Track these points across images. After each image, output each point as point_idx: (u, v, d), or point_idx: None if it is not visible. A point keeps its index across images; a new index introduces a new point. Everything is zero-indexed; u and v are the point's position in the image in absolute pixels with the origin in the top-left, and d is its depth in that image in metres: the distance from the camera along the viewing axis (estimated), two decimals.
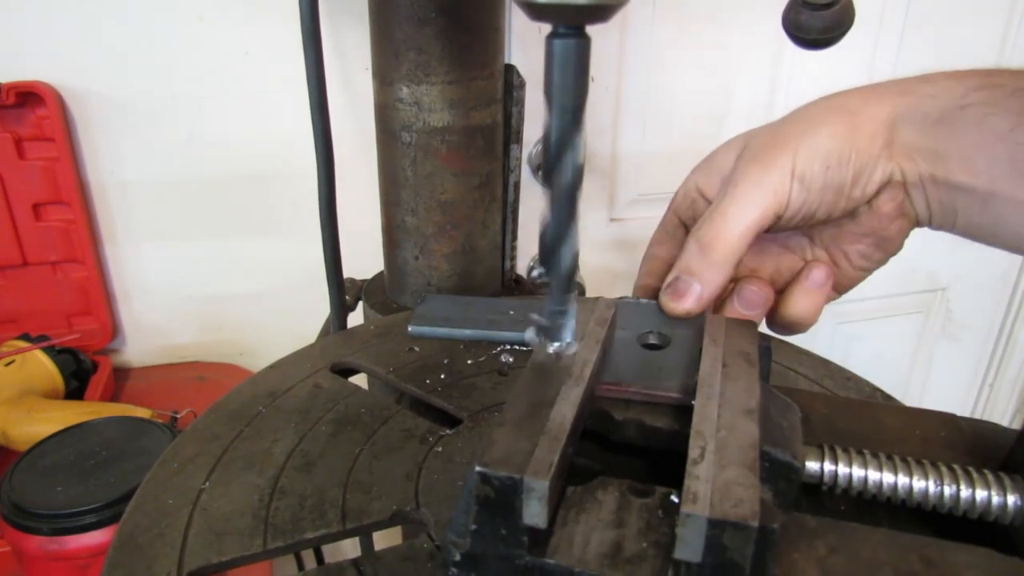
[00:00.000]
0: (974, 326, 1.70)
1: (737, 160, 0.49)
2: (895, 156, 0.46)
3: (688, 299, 0.47)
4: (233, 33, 1.03)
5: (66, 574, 0.75)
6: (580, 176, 0.39)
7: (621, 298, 0.51)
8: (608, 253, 1.36)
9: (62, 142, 0.99)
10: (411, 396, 0.62)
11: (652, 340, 0.49)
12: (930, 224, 0.49)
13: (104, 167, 1.06)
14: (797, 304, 0.51)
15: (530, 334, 0.45)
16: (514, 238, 0.93)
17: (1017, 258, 1.63)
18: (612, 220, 1.33)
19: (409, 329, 0.67)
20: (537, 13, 0.36)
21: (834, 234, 0.51)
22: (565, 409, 0.39)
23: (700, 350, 0.46)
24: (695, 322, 0.49)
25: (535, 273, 1.14)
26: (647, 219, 1.35)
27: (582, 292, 1.09)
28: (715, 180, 0.51)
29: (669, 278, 0.48)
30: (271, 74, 1.06)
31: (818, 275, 0.51)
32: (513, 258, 0.95)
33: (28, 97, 0.97)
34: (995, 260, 1.62)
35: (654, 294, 0.51)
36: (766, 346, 0.47)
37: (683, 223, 0.55)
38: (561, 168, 0.38)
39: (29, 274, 1.06)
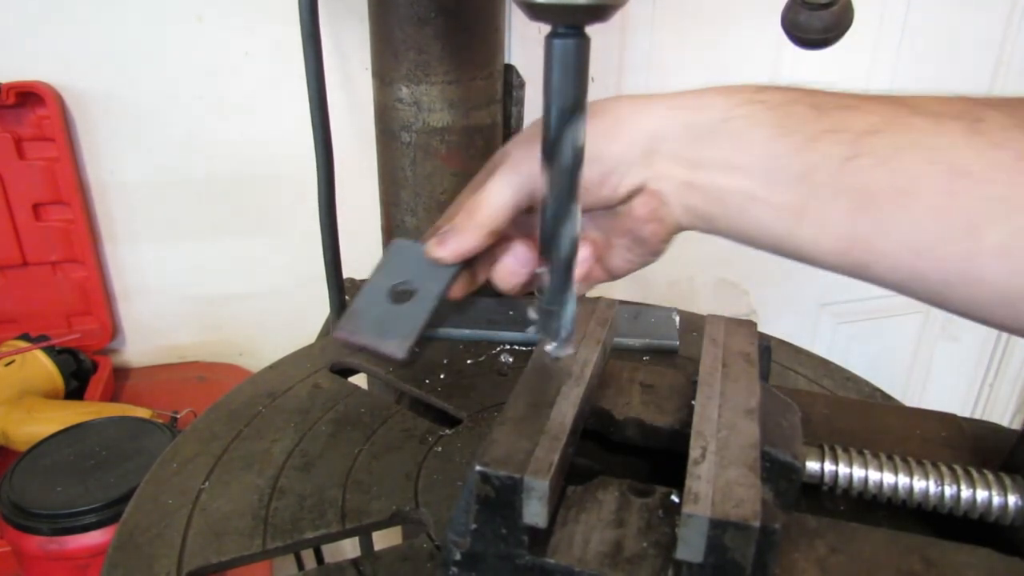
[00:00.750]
0: (974, 326, 1.69)
1: (513, 143, 0.52)
2: (653, 164, 0.48)
3: (447, 248, 0.51)
4: (233, 33, 1.03)
5: (66, 574, 0.75)
6: (579, 169, 0.39)
7: (398, 240, 0.57)
8: None
9: (62, 142, 0.99)
10: (411, 396, 0.62)
11: (400, 289, 0.53)
12: (692, 228, 0.51)
13: (104, 167, 1.06)
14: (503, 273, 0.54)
15: (532, 329, 0.45)
16: None
17: None
18: None
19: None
20: (537, 13, 0.36)
21: (604, 224, 0.53)
22: (565, 409, 0.39)
23: (435, 306, 0.51)
24: (444, 276, 0.52)
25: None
26: None
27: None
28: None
29: (442, 229, 0.53)
30: (271, 74, 1.06)
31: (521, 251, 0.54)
32: None
33: (28, 97, 0.97)
34: None
35: None
36: (766, 345, 0.47)
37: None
38: (560, 162, 0.38)
39: (29, 274, 1.06)
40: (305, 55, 0.67)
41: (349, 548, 0.94)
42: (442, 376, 0.62)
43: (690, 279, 1.42)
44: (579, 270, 0.51)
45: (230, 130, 1.08)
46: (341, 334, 0.51)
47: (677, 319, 0.69)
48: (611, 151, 0.48)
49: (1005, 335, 1.72)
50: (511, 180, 0.49)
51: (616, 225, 0.52)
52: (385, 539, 0.58)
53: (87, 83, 1.01)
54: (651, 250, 0.52)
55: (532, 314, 0.46)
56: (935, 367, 1.71)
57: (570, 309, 0.43)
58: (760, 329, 0.50)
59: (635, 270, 0.55)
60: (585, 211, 0.50)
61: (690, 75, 1.26)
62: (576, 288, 0.51)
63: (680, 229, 0.51)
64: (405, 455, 0.52)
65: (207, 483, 0.50)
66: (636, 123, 0.48)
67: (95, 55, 1.00)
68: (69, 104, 1.01)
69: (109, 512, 0.73)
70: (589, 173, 0.47)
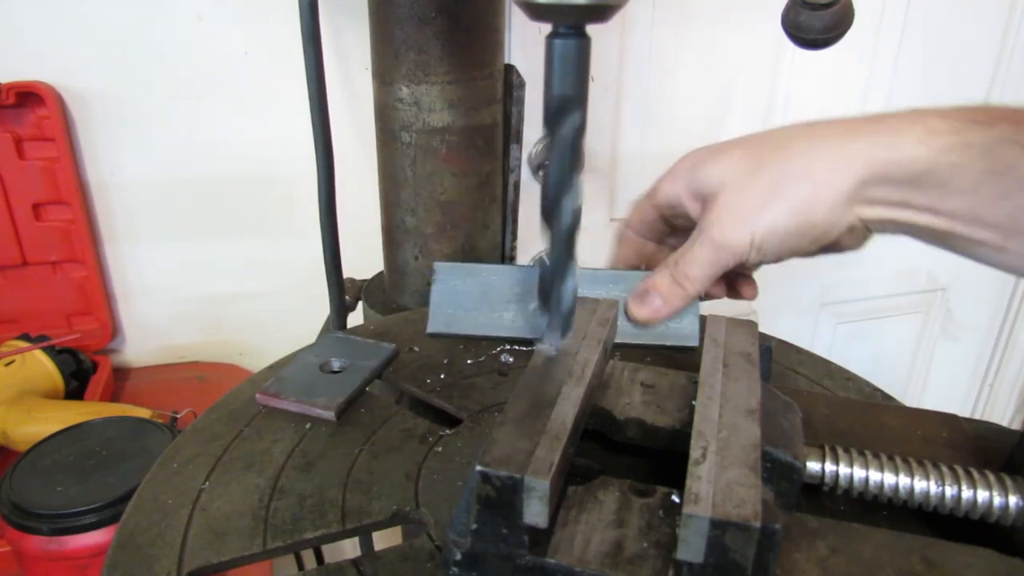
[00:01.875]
0: (974, 326, 1.70)
1: (710, 205, 0.54)
2: (857, 207, 0.51)
3: (649, 310, 0.57)
4: (233, 33, 1.03)
5: (66, 574, 0.75)
6: (578, 218, 0.40)
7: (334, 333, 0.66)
8: (608, 253, 1.36)
9: (62, 142, 0.99)
10: (411, 396, 0.62)
11: (334, 367, 0.61)
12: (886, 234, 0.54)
13: (104, 167, 1.06)
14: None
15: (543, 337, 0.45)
16: (514, 238, 0.93)
17: None
18: (612, 220, 1.33)
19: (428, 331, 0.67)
20: (537, 13, 0.36)
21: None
22: (566, 409, 0.39)
23: (367, 379, 0.59)
24: (381, 355, 0.62)
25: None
26: None
27: None
28: (696, 204, 0.57)
29: (640, 288, 0.58)
30: (271, 74, 1.06)
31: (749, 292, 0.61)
32: (513, 258, 0.95)
33: (28, 97, 0.97)
34: None
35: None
36: (767, 346, 0.47)
37: (662, 216, 0.62)
38: (561, 206, 0.38)
39: (29, 274, 1.06)
40: (305, 55, 0.67)
41: (349, 548, 0.94)
42: (442, 376, 0.62)
43: None
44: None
45: (230, 130, 1.08)
46: (264, 398, 0.57)
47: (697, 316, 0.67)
48: (816, 220, 0.50)
49: (1005, 335, 1.72)
50: (717, 256, 0.53)
51: (812, 251, 0.55)
52: (385, 539, 0.58)
53: (87, 83, 1.01)
54: (852, 249, 0.56)
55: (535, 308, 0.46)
56: (935, 367, 1.72)
57: (570, 286, 0.42)
58: (760, 329, 0.50)
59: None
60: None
61: (690, 75, 1.26)
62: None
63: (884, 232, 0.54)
64: (405, 455, 0.52)
65: (207, 483, 0.49)
66: (836, 182, 0.50)
67: (95, 55, 1.00)
68: (69, 104, 1.01)
69: (109, 512, 0.73)
70: (796, 243, 0.51)
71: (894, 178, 0.48)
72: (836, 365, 0.66)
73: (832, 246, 0.54)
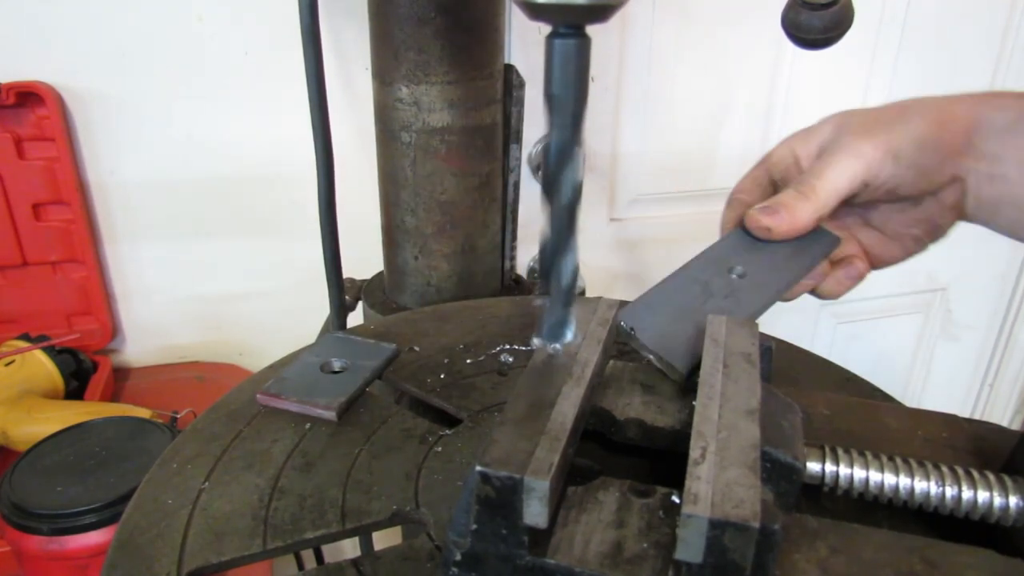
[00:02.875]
0: (974, 326, 1.70)
1: (836, 132, 0.55)
2: (967, 156, 0.52)
3: (775, 219, 0.54)
4: (233, 33, 1.03)
5: (66, 574, 0.75)
6: (579, 192, 0.39)
7: (335, 333, 0.66)
8: (608, 253, 1.36)
9: (62, 142, 0.99)
10: (411, 396, 0.62)
11: (335, 367, 0.61)
12: (974, 220, 0.55)
13: (104, 167, 1.06)
14: (832, 284, 0.59)
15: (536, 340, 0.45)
16: (514, 238, 0.93)
17: (1017, 258, 1.63)
18: (612, 220, 1.33)
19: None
20: (537, 13, 0.36)
21: (895, 218, 0.58)
22: (566, 409, 0.39)
23: (368, 379, 0.59)
24: (382, 355, 0.62)
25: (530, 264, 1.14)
26: (647, 219, 1.35)
27: (582, 292, 1.09)
28: (812, 148, 0.57)
29: (765, 203, 0.55)
30: (271, 74, 1.06)
31: (860, 268, 0.59)
32: (513, 258, 0.95)
33: (28, 97, 0.97)
34: (995, 260, 1.62)
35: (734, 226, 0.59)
36: (767, 346, 0.47)
37: (773, 181, 0.60)
38: (561, 180, 0.38)
39: (29, 274, 1.06)
40: (305, 55, 0.67)
41: (349, 548, 0.94)
42: (442, 376, 0.62)
43: None
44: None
45: (230, 130, 1.08)
46: (264, 399, 0.57)
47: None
48: (945, 138, 0.52)
49: (1005, 335, 1.72)
50: (848, 166, 0.52)
51: (913, 216, 0.56)
52: (385, 539, 0.58)
53: (87, 83, 1.01)
54: (938, 237, 0.58)
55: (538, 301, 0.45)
56: (935, 367, 1.71)
57: (570, 265, 0.41)
58: (760, 329, 0.50)
59: (903, 260, 0.61)
60: (901, 201, 0.56)
61: (690, 75, 1.26)
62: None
63: (964, 219, 0.56)
64: (405, 455, 0.52)
65: (207, 483, 0.49)
66: (956, 115, 0.52)
67: (95, 55, 1.00)
68: (69, 104, 1.01)
69: (109, 512, 0.73)
70: (929, 159, 0.52)
71: (995, 125, 0.51)
72: (836, 365, 0.66)
73: (935, 207, 0.54)
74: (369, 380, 0.60)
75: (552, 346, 0.45)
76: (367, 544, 0.80)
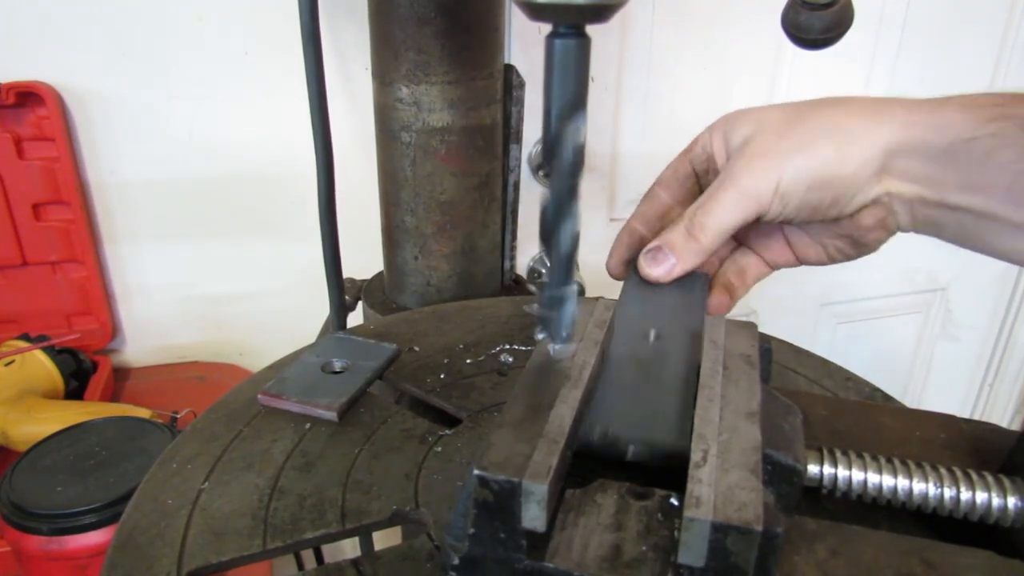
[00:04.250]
0: (974, 326, 1.70)
1: (740, 150, 0.52)
2: (885, 180, 0.49)
3: (661, 268, 0.53)
4: (233, 33, 1.03)
5: (66, 574, 0.75)
6: (581, 163, 0.39)
7: (336, 334, 0.66)
8: (608, 253, 1.36)
9: (62, 142, 0.99)
10: (411, 396, 0.62)
11: (335, 368, 0.61)
12: (912, 231, 0.52)
13: (104, 167, 1.06)
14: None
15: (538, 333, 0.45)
16: (514, 238, 0.93)
17: None
18: (612, 220, 1.33)
19: None
20: (537, 13, 0.36)
21: (816, 228, 0.55)
22: (563, 412, 0.39)
23: (369, 378, 0.59)
24: (383, 355, 0.62)
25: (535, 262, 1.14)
26: None
27: (582, 292, 1.09)
28: (723, 150, 0.55)
29: (652, 244, 0.54)
30: (271, 74, 1.06)
31: (720, 301, 0.57)
32: (513, 258, 0.95)
33: (28, 97, 0.97)
34: (995, 260, 1.61)
35: (637, 242, 0.57)
36: (766, 347, 0.47)
37: (695, 171, 0.59)
38: (561, 160, 0.38)
39: (29, 274, 1.06)
40: (305, 55, 0.67)
41: (349, 548, 0.94)
42: (442, 376, 0.62)
43: None
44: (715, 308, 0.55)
45: (230, 130, 1.08)
46: (265, 399, 0.57)
47: None
48: (844, 173, 0.48)
49: (1005, 335, 1.72)
50: (739, 203, 0.50)
51: (832, 229, 0.53)
52: (385, 539, 0.58)
53: (87, 83, 1.01)
54: (867, 250, 0.54)
55: (533, 310, 0.45)
56: (935, 367, 1.71)
57: (570, 306, 0.42)
58: (760, 329, 0.50)
59: (842, 262, 0.57)
60: (805, 223, 0.53)
61: (690, 75, 1.26)
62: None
63: (899, 231, 0.52)
64: (405, 455, 0.52)
65: (207, 483, 0.49)
66: (869, 141, 0.48)
67: (95, 55, 1.00)
68: (69, 104, 1.01)
69: (109, 512, 0.73)
70: (820, 197, 0.49)
71: (932, 146, 0.46)
72: (836, 365, 0.66)
73: (852, 228, 0.51)
74: (370, 380, 0.60)
75: (553, 346, 0.45)
76: (367, 544, 0.80)
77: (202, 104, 1.06)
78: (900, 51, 1.34)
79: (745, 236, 0.59)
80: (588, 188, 1.28)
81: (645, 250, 0.54)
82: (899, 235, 0.53)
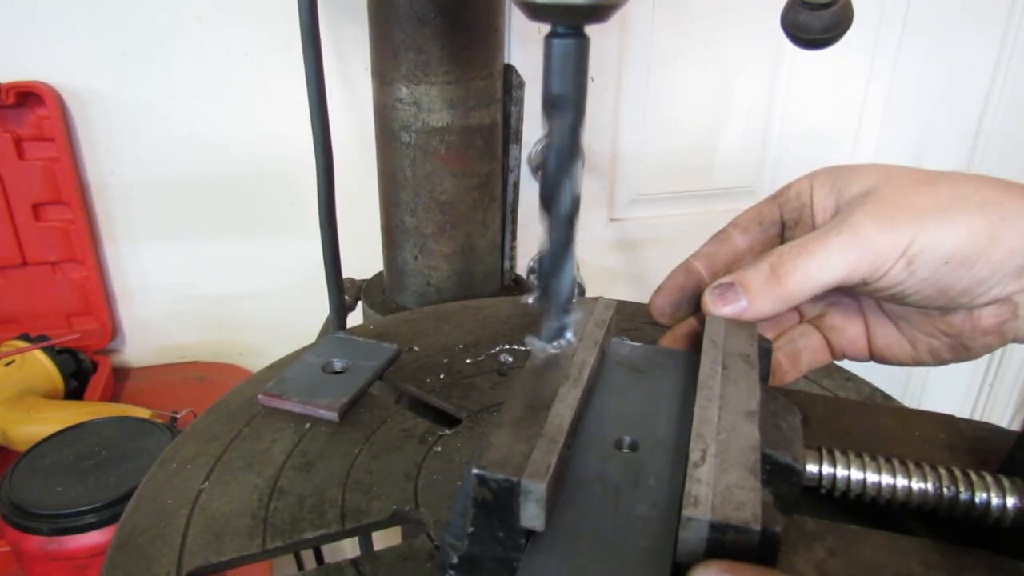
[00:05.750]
0: None
1: (862, 199, 0.44)
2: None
3: (728, 308, 0.45)
4: (233, 33, 1.03)
5: (66, 574, 0.75)
6: (577, 203, 0.39)
7: (336, 334, 0.66)
8: (608, 253, 1.36)
9: (62, 142, 0.99)
10: (410, 396, 0.62)
11: (336, 368, 0.61)
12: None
13: (104, 167, 1.06)
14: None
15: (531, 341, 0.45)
16: (513, 238, 0.93)
17: None
18: (612, 220, 1.33)
19: None
20: (535, 13, 0.36)
21: (917, 317, 0.47)
22: (563, 411, 0.39)
23: (370, 379, 0.58)
24: (384, 356, 0.62)
25: (529, 286, 1.13)
26: (647, 219, 1.35)
27: (582, 292, 1.09)
28: (831, 200, 0.47)
29: (724, 279, 0.46)
30: (271, 74, 1.06)
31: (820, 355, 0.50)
32: (513, 258, 0.95)
33: (28, 97, 0.97)
34: None
35: (694, 285, 0.49)
36: (765, 347, 0.47)
37: (782, 219, 0.50)
38: (560, 189, 0.38)
39: (29, 274, 1.06)
40: (304, 55, 0.67)
41: (349, 548, 0.94)
42: (442, 376, 0.62)
43: None
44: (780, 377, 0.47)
45: (230, 130, 1.08)
46: (266, 399, 0.57)
47: None
48: (993, 256, 0.41)
49: None
50: (851, 253, 0.41)
51: (935, 325, 0.46)
52: (385, 539, 0.58)
53: (87, 83, 1.01)
54: (964, 358, 0.47)
55: (531, 300, 0.45)
56: (935, 367, 1.71)
57: (568, 274, 0.41)
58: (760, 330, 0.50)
59: (916, 366, 0.50)
60: (920, 306, 0.45)
61: (690, 75, 1.26)
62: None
63: (1016, 342, 0.45)
64: (405, 455, 0.52)
65: (207, 483, 0.50)
66: (1019, 227, 0.41)
67: (95, 55, 1.00)
68: (69, 104, 1.01)
69: (109, 512, 0.73)
70: (955, 277, 0.41)
71: None
72: (836, 365, 0.66)
73: (966, 326, 0.44)
74: (371, 380, 0.60)
75: (547, 347, 0.45)
76: (367, 544, 0.80)
77: (202, 104, 1.06)
78: (900, 51, 1.34)
79: (814, 309, 0.51)
80: (588, 188, 1.28)
81: (714, 284, 0.46)
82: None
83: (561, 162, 0.38)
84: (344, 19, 1.04)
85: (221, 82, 1.05)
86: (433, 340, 0.67)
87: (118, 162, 1.06)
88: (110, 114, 1.03)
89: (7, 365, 0.95)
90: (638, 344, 0.49)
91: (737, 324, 0.48)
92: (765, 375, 0.46)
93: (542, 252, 0.39)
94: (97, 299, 1.09)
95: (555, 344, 0.44)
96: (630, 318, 0.70)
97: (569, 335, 0.44)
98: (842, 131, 1.37)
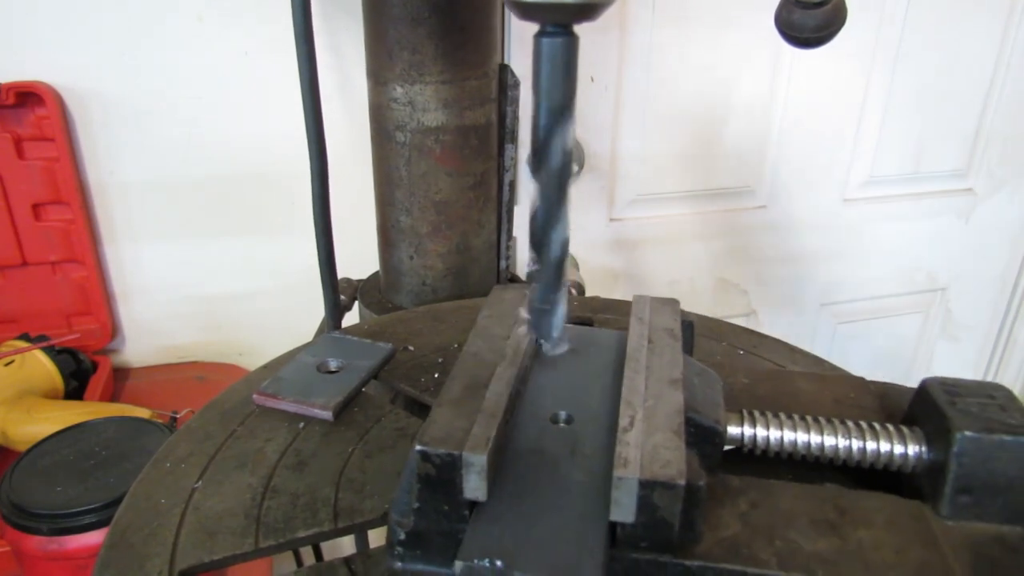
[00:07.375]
0: (974, 326, 1.69)
1: None
2: None
3: None
4: (233, 33, 1.03)
5: (66, 574, 0.75)
6: (568, 171, 0.39)
7: (331, 333, 0.66)
8: (607, 253, 1.36)
9: (62, 142, 1.00)
10: (405, 395, 0.62)
11: (331, 367, 0.61)
12: None
13: (104, 167, 1.06)
14: None
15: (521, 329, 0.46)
16: (509, 237, 0.93)
17: (1017, 258, 1.62)
18: (612, 220, 1.33)
19: None
20: (525, 12, 0.36)
21: None
22: (500, 388, 0.41)
23: (365, 378, 0.58)
24: (378, 355, 0.62)
25: (527, 266, 1.13)
26: (647, 219, 1.35)
27: (582, 292, 1.09)
28: None
29: None
30: (271, 74, 1.06)
31: None
32: (508, 257, 0.95)
33: (28, 97, 0.97)
34: (995, 260, 1.61)
35: None
36: (688, 321, 0.50)
37: None
38: (549, 163, 0.38)
39: (29, 274, 1.07)
40: (298, 55, 0.68)
41: (349, 547, 0.94)
42: (436, 375, 0.62)
43: (691, 279, 1.42)
44: None
45: (230, 130, 1.08)
46: (261, 399, 0.57)
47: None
48: None
49: (1005, 335, 1.72)
50: None
51: None
52: (380, 537, 0.58)
53: (87, 83, 1.01)
54: None
55: (523, 313, 0.46)
56: (935, 367, 1.71)
57: (561, 309, 0.43)
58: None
59: None
60: None
61: (690, 75, 1.25)
62: None
63: None
64: (398, 454, 0.52)
65: (200, 482, 0.50)
66: None
67: (95, 55, 1.00)
68: (69, 104, 1.01)
69: (109, 512, 0.73)
70: None
71: None
72: (829, 363, 0.66)
73: None
74: (365, 380, 0.60)
75: (542, 342, 0.46)
76: (362, 542, 0.80)
77: (202, 104, 1.06)
78: (900, 51, 1.34)
79: None
80: (588, 188, 1.28)
81: None
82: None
83: (552, 115, 0.38)
84: (340, 19, 1.04)
85: (221, 82, 1.05)
86: (428, 339, 0.68)
87: (118, 162, 1.07)
88: (110, 114, 1.04)
89: (7, 365, 0.96)
90: (571, 325, 0.51)
91: (661, 301, 0.51)
92: (689, 347, 0.50)
93: (534, 208, 0.40)
94: (97, 299, 1.10)
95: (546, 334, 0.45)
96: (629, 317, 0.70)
97: (560, 319, 0.44)
98: (842, 131, 1.37)
